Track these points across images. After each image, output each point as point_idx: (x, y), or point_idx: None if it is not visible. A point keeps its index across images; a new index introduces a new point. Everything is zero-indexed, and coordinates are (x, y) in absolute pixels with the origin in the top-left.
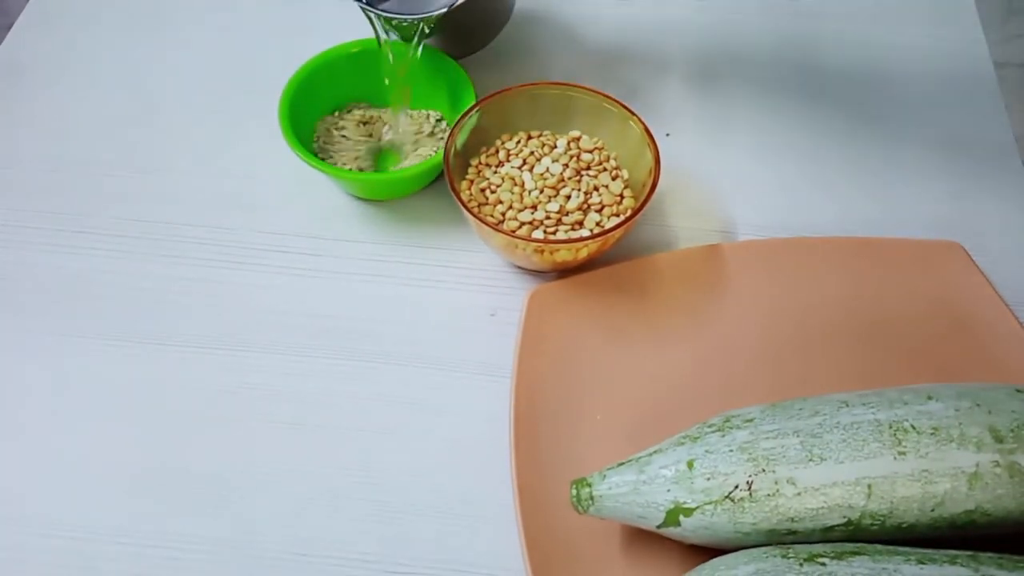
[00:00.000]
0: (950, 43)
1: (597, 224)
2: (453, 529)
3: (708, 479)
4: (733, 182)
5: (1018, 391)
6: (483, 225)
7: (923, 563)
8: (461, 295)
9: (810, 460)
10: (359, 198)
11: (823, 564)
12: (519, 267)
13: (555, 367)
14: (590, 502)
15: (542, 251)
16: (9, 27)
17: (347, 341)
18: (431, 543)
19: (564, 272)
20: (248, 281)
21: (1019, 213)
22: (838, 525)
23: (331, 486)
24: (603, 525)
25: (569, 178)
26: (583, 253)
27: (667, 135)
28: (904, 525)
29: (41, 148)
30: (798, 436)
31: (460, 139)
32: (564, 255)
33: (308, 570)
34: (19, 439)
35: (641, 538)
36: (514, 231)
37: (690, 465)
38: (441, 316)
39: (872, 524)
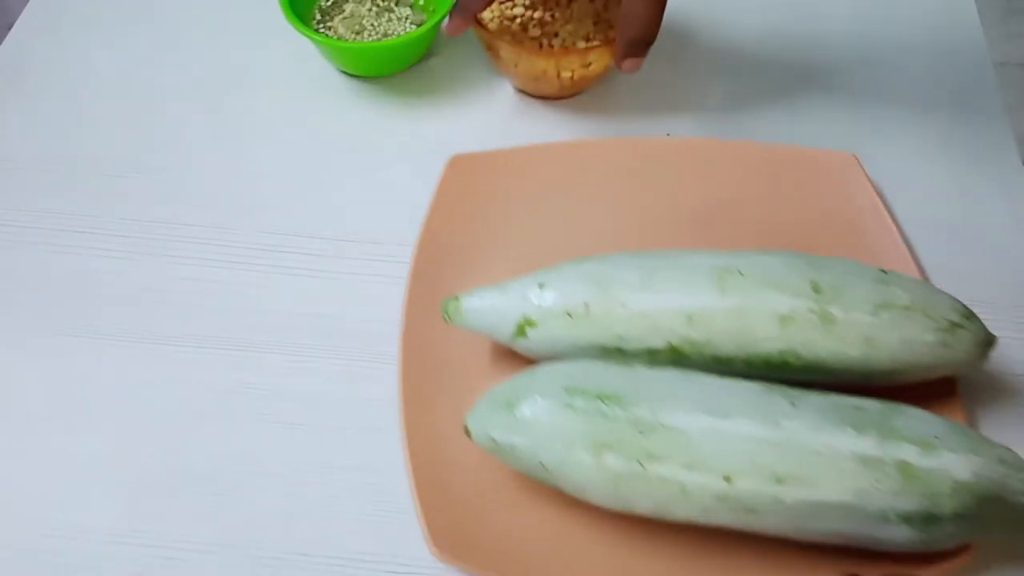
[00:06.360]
0: (950, 43)
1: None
2: None
3: (553, 298)
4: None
5: (883, 272)
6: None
7: (723, 376)
8: None
9: (644, 288)
10: (350, 74)
11: (634, 368)
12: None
13: (459, 239)
14: (457, 314)
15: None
16: (9, 27)
17: (347, 341)
18: None
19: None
20: (248, 281)
21: (1019, 213)
22: (661, 349)
23: (331, 486)
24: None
25: None
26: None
27: (667, 135)
28: (722, 357)
29: (41, 148)
30: (640, 270)
31: None
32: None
33: (308, 570)
34: (18, 439)
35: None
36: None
37: (541, 286)
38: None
39: (692, 352)
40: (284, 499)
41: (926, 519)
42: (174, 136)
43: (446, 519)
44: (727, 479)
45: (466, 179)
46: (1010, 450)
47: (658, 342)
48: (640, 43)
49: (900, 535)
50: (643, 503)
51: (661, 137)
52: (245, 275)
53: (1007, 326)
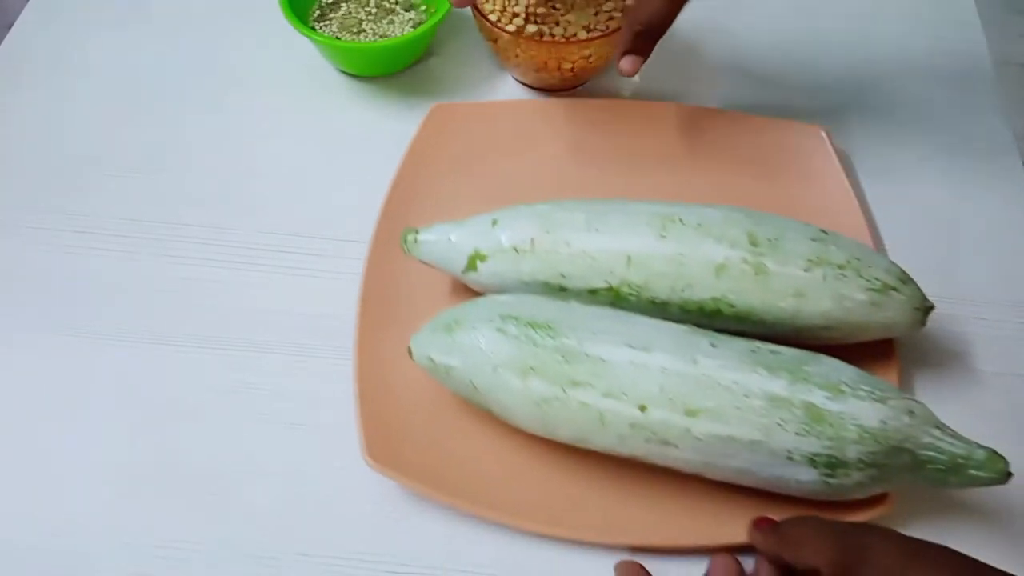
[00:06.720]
0: (950, 43)
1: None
2: (454, 528)
3: (503, 235)
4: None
5: (822, 231)
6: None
7: (655, 317)
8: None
9: (588, 230)
10: (349, 74)
11: (569, 303)
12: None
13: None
14: (415, 245)
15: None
16: (9, 27)
17: (346, 341)
18: (432, 542)
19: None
20: (248, 281)
21: (1019, 213)
22: (601, 289)
23: (331, 485)
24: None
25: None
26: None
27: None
28: (658, 301)
29: (41, 148)
30: (586, 213)
31: None
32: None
33: (308, 570)
34: (18, 438)
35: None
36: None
37: (494, 223)
38: None
39: (630, 293)
40: (284, 499)
41: (831, 463)
42: (174, 136)
43: (383, 434)
44: (642, 408)
45: (444, 127)
46: (921, 403)
47: (598, 282)
48: (648, 35)
49: (806, 476)
50: (565, 429)
51: (634, 100)
52: (245, 275)
53: (1007, 325)
